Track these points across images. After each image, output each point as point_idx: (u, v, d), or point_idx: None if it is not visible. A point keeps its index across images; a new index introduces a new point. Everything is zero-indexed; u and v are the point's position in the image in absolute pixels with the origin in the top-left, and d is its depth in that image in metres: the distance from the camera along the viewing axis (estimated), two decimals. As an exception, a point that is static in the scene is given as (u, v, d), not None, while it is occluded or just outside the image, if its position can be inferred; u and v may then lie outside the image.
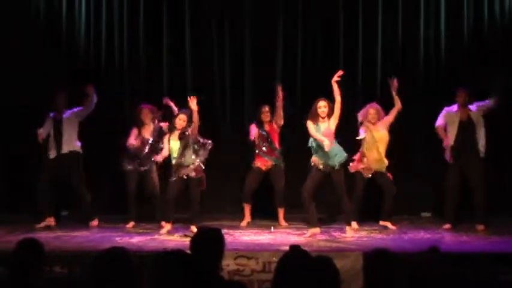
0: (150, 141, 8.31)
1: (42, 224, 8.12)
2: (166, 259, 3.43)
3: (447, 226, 8.11)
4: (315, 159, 7.68)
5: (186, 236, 7.35)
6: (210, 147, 8.02)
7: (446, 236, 7.66)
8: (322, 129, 7.57)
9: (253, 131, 8.59)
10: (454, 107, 8.19)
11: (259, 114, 8.58)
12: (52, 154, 8.33)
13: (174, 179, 7.90)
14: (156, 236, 7.64)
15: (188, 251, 3.64)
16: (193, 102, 7.65)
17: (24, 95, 8.98)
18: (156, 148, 8.32)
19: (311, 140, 7.66)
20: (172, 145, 7.93)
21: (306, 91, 9.35)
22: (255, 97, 9.35)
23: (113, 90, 9.37)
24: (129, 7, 9.53)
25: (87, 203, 8.36)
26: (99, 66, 9.53)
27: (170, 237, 7.60)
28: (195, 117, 7.71)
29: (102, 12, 9.52)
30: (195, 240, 3.71)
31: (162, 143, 8.25)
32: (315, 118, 7.65)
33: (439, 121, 8.26)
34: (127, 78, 9.51)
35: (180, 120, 7.89)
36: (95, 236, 7.72)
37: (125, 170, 8.35)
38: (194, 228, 7.70)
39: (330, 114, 7.64)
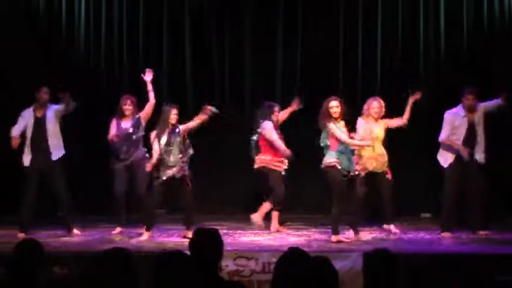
0: (128, 132, 7.92)
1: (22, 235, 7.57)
2: (165, 260, 3.43)
3: (446, 234, 7.71)
4: (338, 163, 7.19)
5: (185, 237, 7.33)
6: (191, 153, 7.66)
7: (446, 237, 7.65)
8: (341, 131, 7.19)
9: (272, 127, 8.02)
10: (459, 110, 7.76)
11: (271, 113, 8.03)
12: (31, 159, 7.80)
13: (159, 182, 7.48)
14: (154, 237, 7.61)
15: (187, 252, 3.65)
16: (206, 112, 7.50)
17: (24, 94, 8.97)
18: (132, 139, 7.92)
19: (327, 140, 7.17)
20: (161, 141, 7.51)
21: (305, 91, 9.36)
22: (255, 97, 9.36)
23: (112, 90, 9.38)
24: (128, 7, 9.55)
25: (69, 211, 7.97)
26: (99, 66, 9.55)
27: (169, 238, 7.59)
28: (196, 125, 7.55)
29: (102, 12, 9.54)
30: (193, 241, 3.72)
31: (140, 133, 7.95)
32: (328, 119, 7.16)
33: (445, 132, 7.73)
34: (126, 78, 9.52)
35: (175, 115, 7.56)
36: (95, 236, 7.71)
37: (112, 168, 7.98)
38: (190, 234, 7.32)
39: (341, 114, 7.19)
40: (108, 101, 9.02)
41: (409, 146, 9.10)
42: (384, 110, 7.87)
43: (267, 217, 8.04)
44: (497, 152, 8.42)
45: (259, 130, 8.01)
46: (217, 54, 9.56)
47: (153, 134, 7.60)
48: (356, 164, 7.53)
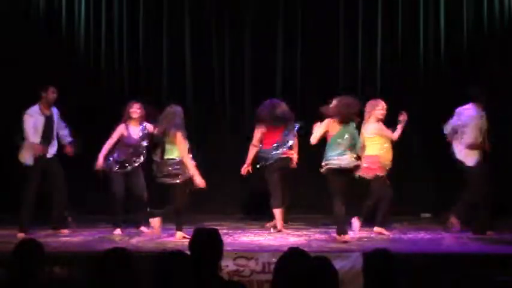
0: (137, 142, 7.89)
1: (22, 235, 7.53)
2: (165, 260, 3.43)
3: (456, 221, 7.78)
4: None
5: (185, 237, 7.33)
6: None
7: (446, 237, 7.65)
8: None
9: None
10: (478, 111, 7.76)
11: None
12: (35, 158, 7.76)
13: (188, 182, 7.42)
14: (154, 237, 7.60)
15: (187, 252, 3.65)
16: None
17: (23, 95, 8.97)
18: (139, 151, 7.91)
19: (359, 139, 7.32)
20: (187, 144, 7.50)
21: (305, 91, 9.37)
22: (255, 97, 9.36)
23: (112, 90, 9.39)
24: (128, 7, 9.55)
25: (62, 210, 7.97)
26: (99, 66, 9.55)
27: (169, 238, 7.57)
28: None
29: (102, 12, 9.54)
30: (193, 241, 3.72)
31: (146, 143, 7.92)
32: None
33: (475, 135, 7.75)
34: (127, 77, 9.53)
35: None
36: (95, 236, 7.70)
37: (110, 172, 7.90)
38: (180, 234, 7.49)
39: None
40: (109, 101, 9.03)
41: (410, 146, 9.10)
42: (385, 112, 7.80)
43: (270, 217, 8.06)
44: (497, 152, 8.44)
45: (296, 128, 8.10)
46: (217, 54, 9.56)
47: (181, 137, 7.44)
48: (377, 165, 7.62)
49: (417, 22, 9.40)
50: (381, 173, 7.64)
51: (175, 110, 7.54)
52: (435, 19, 9.40)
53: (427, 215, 9.26)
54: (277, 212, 7.94)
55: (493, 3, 9.32)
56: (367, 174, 7.56)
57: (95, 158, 8.39)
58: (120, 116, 8.00)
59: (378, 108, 7.70)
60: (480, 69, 9.07)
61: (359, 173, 7.49)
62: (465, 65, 9.26)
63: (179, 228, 7.48)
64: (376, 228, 7.78)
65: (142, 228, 7.93)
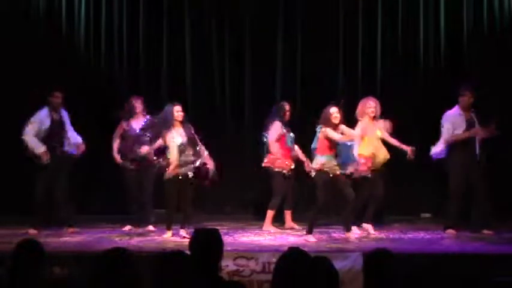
0: (136, 133, 8.02)
1: None
2: (166, 260, 3.43)
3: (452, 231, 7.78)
4: None
5: (185, 237, 7.33)
6: None
7: (446, 237, 7.65)
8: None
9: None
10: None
11: (283, 112, 8.17)
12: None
13: None
14: (155, 237, 7.60)
15: (187, 252, 3.65)
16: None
17: (24, 95, 8.99)
18: (139, 141, 8.02)
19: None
20: None
21: (306, 91, 9.37)
22: (255, 97, 9.37)
23: (112, 90, 9.38)
24: (129, 7, 9.56)
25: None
26: (99, 66, 9.55)
27: (171, 238, 7.58)
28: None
29: (102, 13, 9.54)
30: (193, 241, 3.72)
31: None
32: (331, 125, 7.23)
33: None
34: (126, 78, 9.53)
35: None
36: (95, 236, 7.70)
37: (121, 168, 8.09)
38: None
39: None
40: (109, 101, 9.03)
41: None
42: (379, 110, 7.83)
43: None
44: (497, 152, 8.45)
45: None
46: (217, 54, 9.56)
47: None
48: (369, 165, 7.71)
49: (417, 22, 9.40)
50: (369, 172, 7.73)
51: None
52: (435, 19, 9.40)
53: (427, 215, 9.26)
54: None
55: (493, 3, 9.32)
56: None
57: (94, 157, 8.42)
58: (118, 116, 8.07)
59: (370, 105, 7.76)
60: (480, 70, 9.06)
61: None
62: (465, 65, 9.26)
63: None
64: (365, 225, 7.85)
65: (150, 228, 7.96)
